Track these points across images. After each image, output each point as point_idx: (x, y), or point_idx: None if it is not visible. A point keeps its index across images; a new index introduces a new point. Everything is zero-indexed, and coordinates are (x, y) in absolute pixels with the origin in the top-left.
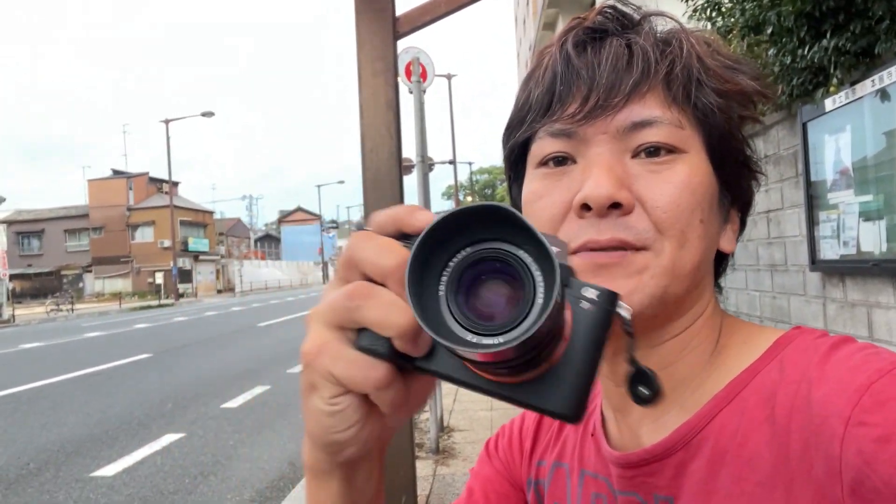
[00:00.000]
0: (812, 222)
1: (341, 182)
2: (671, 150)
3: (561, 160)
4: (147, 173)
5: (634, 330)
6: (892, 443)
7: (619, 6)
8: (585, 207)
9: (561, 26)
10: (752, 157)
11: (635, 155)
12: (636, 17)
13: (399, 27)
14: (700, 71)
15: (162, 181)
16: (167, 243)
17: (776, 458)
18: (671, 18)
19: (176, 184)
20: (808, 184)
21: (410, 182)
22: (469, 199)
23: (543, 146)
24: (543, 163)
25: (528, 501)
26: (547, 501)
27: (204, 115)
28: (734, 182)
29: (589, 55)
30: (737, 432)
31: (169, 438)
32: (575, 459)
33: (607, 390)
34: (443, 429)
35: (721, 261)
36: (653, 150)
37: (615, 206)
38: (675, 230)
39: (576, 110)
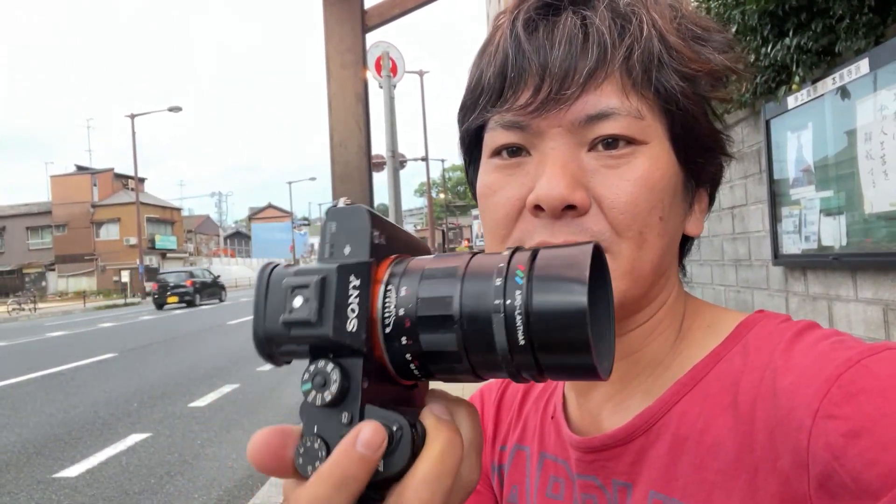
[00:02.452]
0: (775, 218)
1: (313, 179)
2: (629, 141)
3: (515, 150)
4: (112, 169)
5: None
6: (862, 438)
7: None
8: (539, 208)
9: None
10: (722, 136)
11: (592, 148)
12: None
13: (368, 20)
14: (662, 51)
15: (128, 177)
16: (133, 241)
17: (739, 446)
18: None
19: (142, 180)
20: (771, 180)
21: (381, 179)
22: (442, 195)
23: (496, 137)
24: (497, 152)
25: (494, 487)
26: (506, 484)
27: (171, 109)
28: (700, 167)
29: (540, 36)
30: (698, 419)
31: (134, 438)
32: (535, 442)
33: None
34: None
35: (686, 242)
36: (610, 143)
37: (570, 207)
38: (632, 231)
39: (527, 101)
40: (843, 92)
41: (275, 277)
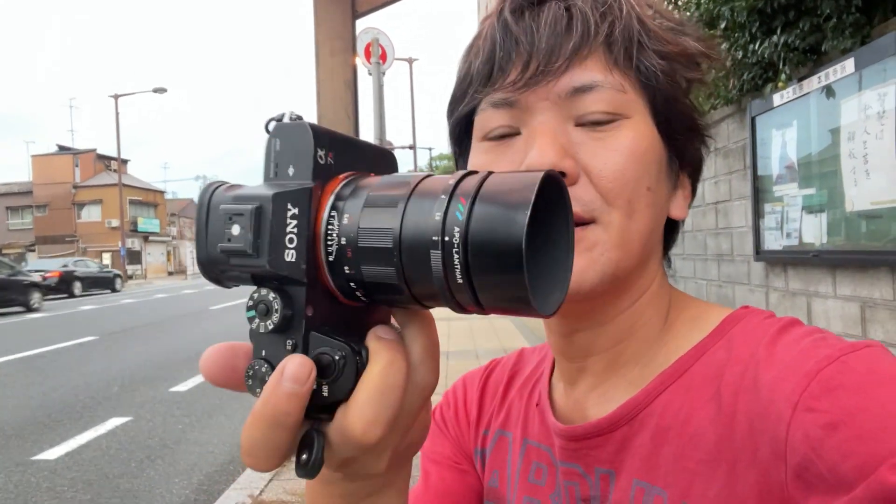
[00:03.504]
0: (758, 214)
1: None
2: (614, 116)
3: (505, 134)
4: (95, 150)
5: (581, 310)
6: (839, 430)
7: None
8: None
9: None
10: (700, 120)
11: (579, 123)
12: None
13: (358, 6)
14: (641, 33)
15: (110, 158)
16: (115, 223)
17: (720, 437)
18: None
19: (125, 161)
20: (755, 176)
21: None
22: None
23: (486, 118)
24: (488, 137)
25: (477, 471)
26: (487, 469)
27: (156, 91)
28: (682, 146)
29: (527, 20)
30: (681, 410)
31: (115, 422)
32: (519, 428)
33: (560, 365)
34: None
35: (672, 229)
36: (596, 118)
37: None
38: (622, 200)
39: (516, 77)
40: (829, 91)
41: (215, 200)
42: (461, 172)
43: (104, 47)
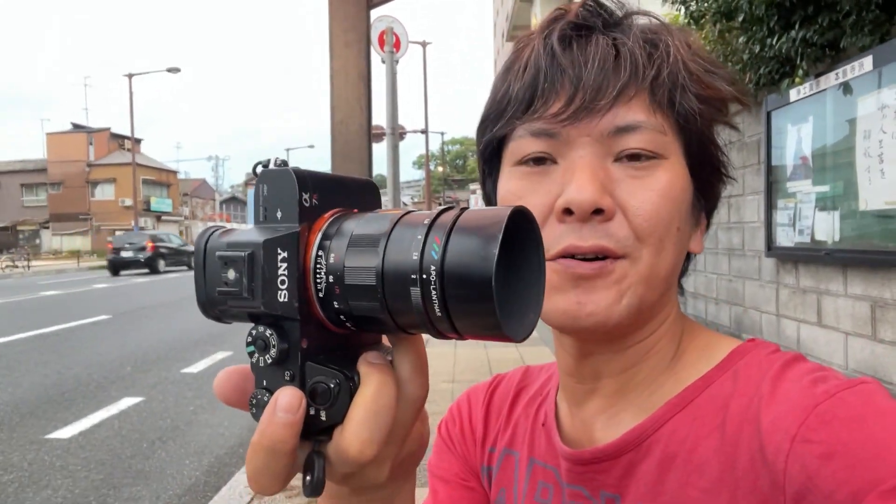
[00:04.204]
0: (770, 209)
1: (311, 146)
2: (653, 155)
3: (540, 160)
4: (109, 129)
5: (602, 337)
6: (834, 459)
7: (602, 1)
8: (567, 212)
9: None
10: (726, 161)
11: (617, 159)
12: (619, 13)
13: None
14: (685, 76)
15: (124, 137)
16: (128, 202)
17: (723, 466)
18: (655, 18)
19: (139, 141)
20: (769, 172)
21: (381, 150)
22: (440, 169)
23: (523, 145)
24: (523, 161)
25: (484, 487)
26: (494, 487)
27: (170, 70)
28: (708, 187)
29: (575, 52)
30: (687, 438)
31: (127, 402)
32: (525, 448)
33: (566, 385)
34: None
35: (686, 261)
36: (635, 156)
37: (597, 211)
38: (654, 238)
39: (559, 110)
40: (846, 88)
41: (210, 246)
42: (437, 210)
43: (119, 26)
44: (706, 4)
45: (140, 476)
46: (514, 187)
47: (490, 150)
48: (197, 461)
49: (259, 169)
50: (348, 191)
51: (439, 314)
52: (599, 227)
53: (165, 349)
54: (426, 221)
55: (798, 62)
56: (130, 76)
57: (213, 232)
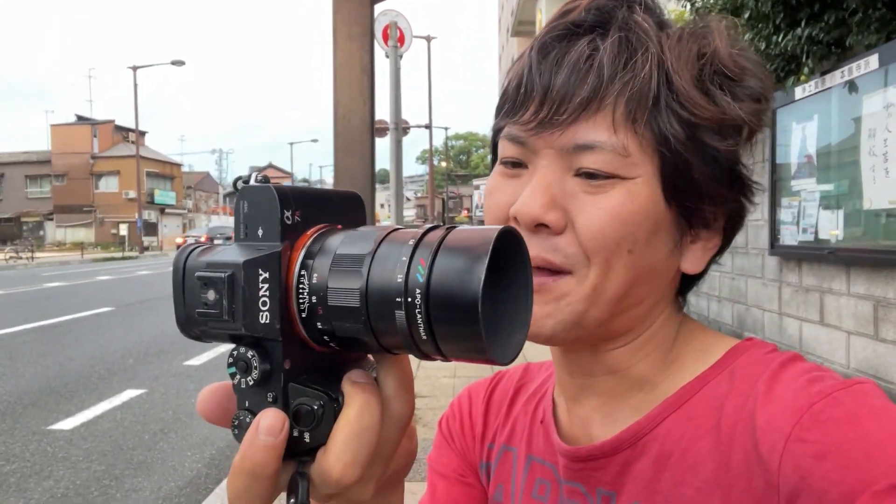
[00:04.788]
0: (774, 208)
1: (315, 141)
2: (610, 175)
3: (517, 163)
4: (113, 121)
5: (564, 347)
6: (828, 459)
7: None
8: (516, 220)
9: None
10: (719, 186)
11: (577, 174)
12: (623, 9)
13: None
14: (664, 91)
15: (128, 130)
16: (132, 194)
17: (717, 466)
18: (653, 22)
19: (143, 133)
20: (773, 170)
21: (384, 144)
22: (444, 164)
23: (503, 147)
24: (503, 162)
25: (483, 484)
26: (492, 483)
27: (174, 63)
28: (692, 212)
29: (551, 59)
30: (682, 437)
31: (129, 394)
32: (523, 444)
33: (561, 380)
34: None
35: (689, 280)
36: (592, 174)
37: (543, 225)
38: (599, 259)
39: (528, 119)
40: (851, 86)
41: (189, 265)
42: (423, 229)
43: (124, 19)
44: (712, 1)
45: (142, 467)
46: (491, 183)
47: (494, 143)
48: (198, 453)
49: (239, 184)
50: (332, 205)
51: (424, 337)
52: (547, 240)
53: (168, 341)
54: (411, 241)
55: (804, 60)
56: (135, 68)
57: (193, 250)
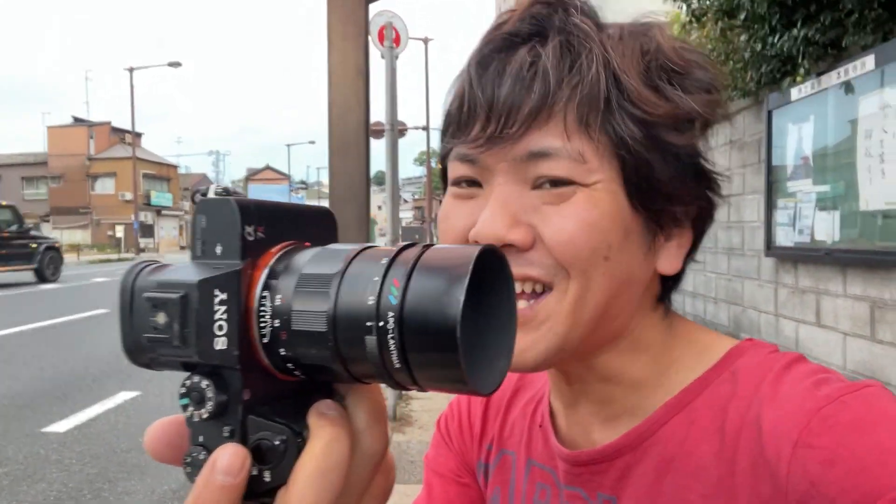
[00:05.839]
0: (770, 209)
1: (312, 142)
2: (569, 182)
3: (472, 182)
4: (109, 122)
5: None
6: (837, 466)
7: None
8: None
9: None
10: (685, 183)
11: (536, 186)
12: (559, 14)
13: None
14: (614, 92)
15: (125, 131)
16: (129, 196)
17: (722, 470)
18: (590, 24)
19: (139, 135)
20: (769, 171)
21: (380, 146)
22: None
23: (454, 168)
24: (455, 183)
25: (479, 484)
26: (489, 485)
27: (171, 64)
28: (659, 213)
29: (492, 72)
30: (685, 441)
31: (124, 396)
32: (522, 448)
33: (557, 386)
34: (401, 396)
35: (668, 281)
36: (552, 182)
37: (510, 245)
38: (576, 270)
39: (476, 135)
40: (847, 87)
41: (138, 285)
42: (398, 247)
43: (120, 21)
44: (708, 2)
45: (135, 470)
46: (445, 208)
47: (444, 167)
48: None
49: (197, 197)
50: (301, 221)
51: (398, 365)
52: (518, 257)
53: None
54: (384, 260)
55: (800, 61)
56: (131, 70)
57: (144, 268)
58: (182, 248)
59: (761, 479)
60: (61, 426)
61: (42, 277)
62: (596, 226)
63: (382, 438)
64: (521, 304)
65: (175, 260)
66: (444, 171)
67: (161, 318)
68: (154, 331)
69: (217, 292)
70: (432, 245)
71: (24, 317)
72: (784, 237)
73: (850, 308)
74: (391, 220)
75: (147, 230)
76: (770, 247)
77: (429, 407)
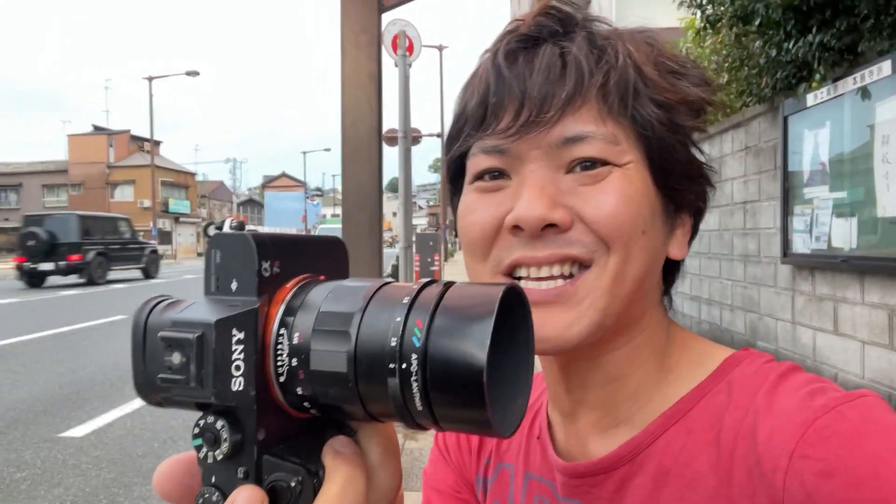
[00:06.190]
0: (786, 215)
1: (327, 150)
2: (604, 163)
3: (496, 175)
4: (129, 131)
5: (572, 355)
6: (834, 477)
7: (558, 6)
8: (518, 228)
9: None
10: (701, 164)
11: (569, 170)
12: (578, 16)
13: (385, 0)
14: (638, 81)
15: (144, 140)
16: (147, 203)
17: (719, 481)
18: (605, 23)
19: (158, 143)
20: (786, 177)
21: (394, 153)
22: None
23: (478, 162)
24: (479, 177)
25: (478, 498)
26: (489, 499)
27: (189, 73)
28: (679, 194)
29: (520, 65)
30: (682, 452)
31: (140, 402)
32: (520, 461)
33: (556, 395)
34: None
35: (672, 268)
36: (587, 164)
37: (550, 225)
38: (619, 243)
39: (508, 125)
40: (864, 92)
41: (151, 324)
42: (419, 284)
43: (140, 30)
44: (722, 8)
45: (151, 475)
46: (469, 201)
47: (454, 169)
48: None
49: (211, 230)
50: (312, 253)
51: (420, 408)
52: (557, 238)
53: None
54: (406, 300)
55: (815, 66)
56: (150, 79)
57: (156, 304)
58: (199, 254)
59: (758, 489)
60: (78, 431)
61: (147, 275)
62: (634, 200)
63: (396, 473)
64: (558, 287)
65: (193, 267)
66: (453, 175)
67: (176, 359)
68: (169, 371)
69: (234, 331)
70: (453, 283)
71: (44, 323)
72: (801, 244)
73: (868, 316)
74: (404, 227)
75: (165, 237)
76: (787, 254)
77: None
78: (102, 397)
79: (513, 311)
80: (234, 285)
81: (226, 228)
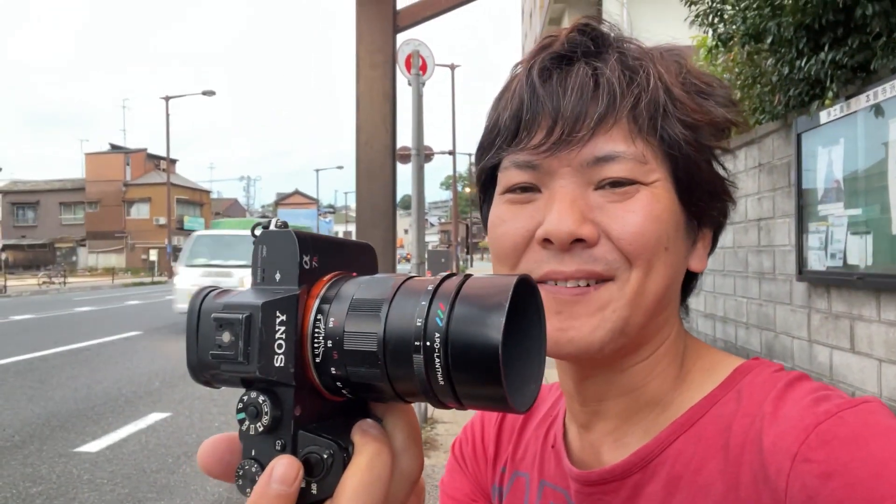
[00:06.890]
0: (801, 233)
1: (340, 167)
2: (632, 182)
3: (526, 188)
4: (145, 149)
5: (595, 360)
6: (834, 479)
7: (592, 25)
8: (548, 241)
9: (567, 22)
10: (722, 182)
11: (598, 187)
12: (610, 35)
13: (399, 21)
14: (667, 102)
15: (160, 158)
16: (163, 221)
17: (727, 487)
18: (637, 46)
19: (174, 161)
20: (800, 194)
21: (407, 171)
22: (468, 190)
23: (509, 175)
24: (510, 189)
25: None
26: None
27: (205, 93)
28: (702, 211)
29: (554, 83)
30: (692, 459)
31: (155, 417)
32: (535, 469)
33: (572, 409)
34: (426, 420)
35: (690, 280)
36: (615, 183)
37: (578, 240)
38: (642, 260)
39: (540, 142)
40: (877, 110)
41: (205, 308)
42: (440, 277)
43: (158, 49)
44: (734, 27)
45: (164, 490)
46: (500, 212)
47: (485, 178)
48: None
49: (259, 230)
50: (346, 254)
51: (442, 383)
52: (584, 253)
53: None
54: (430, 288)
55: (828, 84)
56: (167, 98)
57: (209, 293)
58: None
59: (762, 494)
60: (93, 446)
61: None
62: (659, 218)
63: (419, 458)
64: (581, 289)
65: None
66: (483, 183)
67: (226, 337)
68: (219, 348)
69: (278, 314)
70: (471, 275)
71: (61, 339)
72: (816, 261)
73: (885, 334)
74: (417, 244)
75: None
76: (802, 271)
77: (454, 431)
78: (117, 412)
79: (526, 303)
80: (277, 276)
81: (271, 227)
